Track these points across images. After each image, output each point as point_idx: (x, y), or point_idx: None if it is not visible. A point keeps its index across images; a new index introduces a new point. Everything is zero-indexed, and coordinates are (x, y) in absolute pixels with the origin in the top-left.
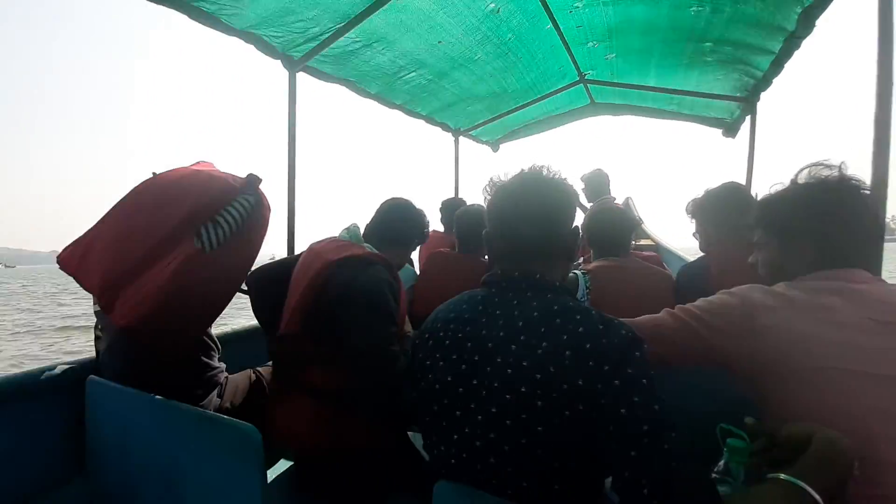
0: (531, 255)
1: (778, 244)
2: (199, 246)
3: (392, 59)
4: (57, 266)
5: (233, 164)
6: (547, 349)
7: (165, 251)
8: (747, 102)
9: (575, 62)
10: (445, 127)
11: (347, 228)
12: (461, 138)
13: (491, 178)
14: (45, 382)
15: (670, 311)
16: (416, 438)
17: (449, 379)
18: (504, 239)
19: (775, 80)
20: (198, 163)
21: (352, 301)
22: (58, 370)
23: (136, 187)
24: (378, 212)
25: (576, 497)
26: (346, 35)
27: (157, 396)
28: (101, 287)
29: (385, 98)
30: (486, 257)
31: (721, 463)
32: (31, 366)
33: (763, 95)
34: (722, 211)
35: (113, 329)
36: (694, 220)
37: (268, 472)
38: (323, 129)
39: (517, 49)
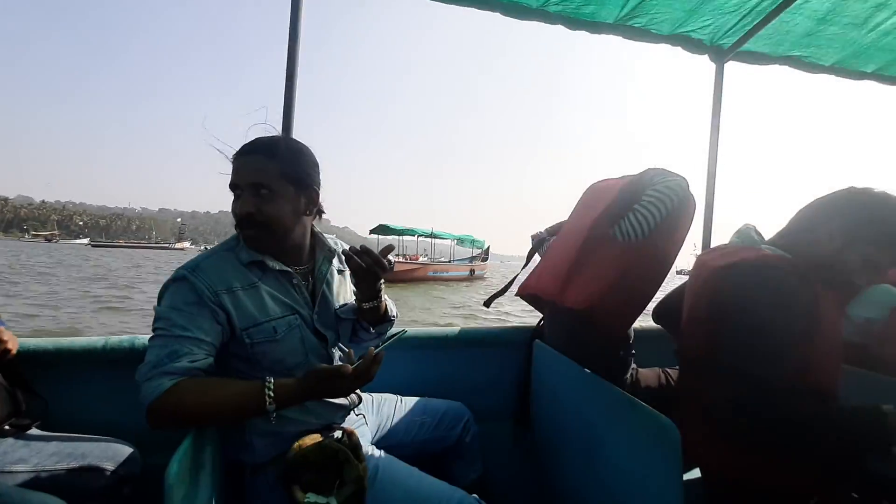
0: None
1: None
2: (619, 238)
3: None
4: None
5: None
6: None
7: (592, 247)
8: None
9: None
10: None
11: (738, 231)
12: None
13: None
14: (511, 337)
15: None
16: None
17: None
18: None
19: None
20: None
21: (732, 315)
22: (514, 332)
23: None
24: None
25: None
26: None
27: (586, 369)
28: (554, 288)
29: (848, 68)
30: None
31: None
32: None
33: None
34: None
35: (553, 308)
36: None
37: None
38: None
39: None
